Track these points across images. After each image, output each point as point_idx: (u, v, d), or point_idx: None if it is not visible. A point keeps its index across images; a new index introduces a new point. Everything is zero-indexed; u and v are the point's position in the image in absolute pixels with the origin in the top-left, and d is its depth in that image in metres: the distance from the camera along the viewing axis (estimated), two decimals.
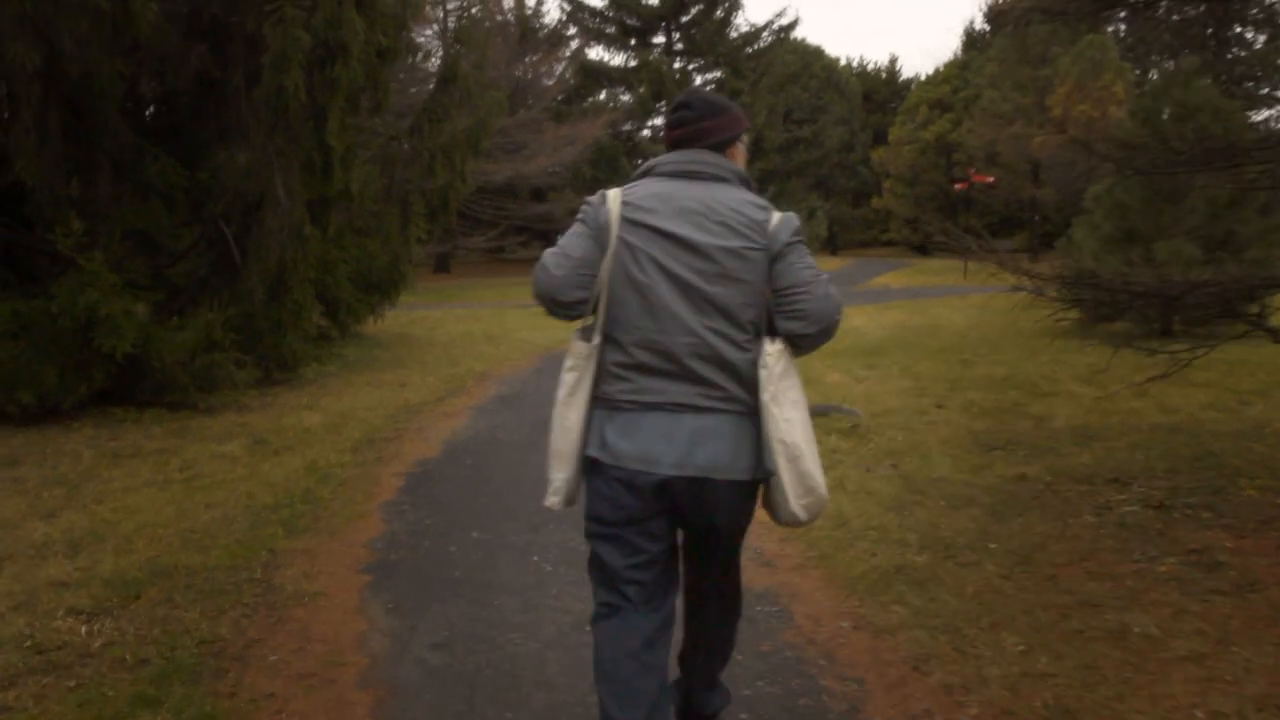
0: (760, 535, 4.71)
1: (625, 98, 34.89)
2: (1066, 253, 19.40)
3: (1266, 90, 45.77)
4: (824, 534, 4.71)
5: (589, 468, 2.53)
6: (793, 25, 37.08)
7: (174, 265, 9.27)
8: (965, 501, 5.24)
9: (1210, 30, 45.05)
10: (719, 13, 35.80)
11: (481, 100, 13.43)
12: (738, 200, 2.50)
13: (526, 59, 33.80)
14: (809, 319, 2.46)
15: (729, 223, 2.45)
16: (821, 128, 41.61)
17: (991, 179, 32.95)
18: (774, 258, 2.47)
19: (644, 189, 2.50)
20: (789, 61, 42.14)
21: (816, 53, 46.90)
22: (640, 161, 27.75)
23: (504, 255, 34.83)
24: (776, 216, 2.50)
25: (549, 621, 3.73)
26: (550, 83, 34.91)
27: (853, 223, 51.43)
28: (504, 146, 26.32)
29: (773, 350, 2.44)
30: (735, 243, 2.44)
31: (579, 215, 2.53)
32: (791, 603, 3.97)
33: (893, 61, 64.07)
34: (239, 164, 8.66)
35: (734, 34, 36.61)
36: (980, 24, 62.01)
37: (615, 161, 33.68)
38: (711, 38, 35.69)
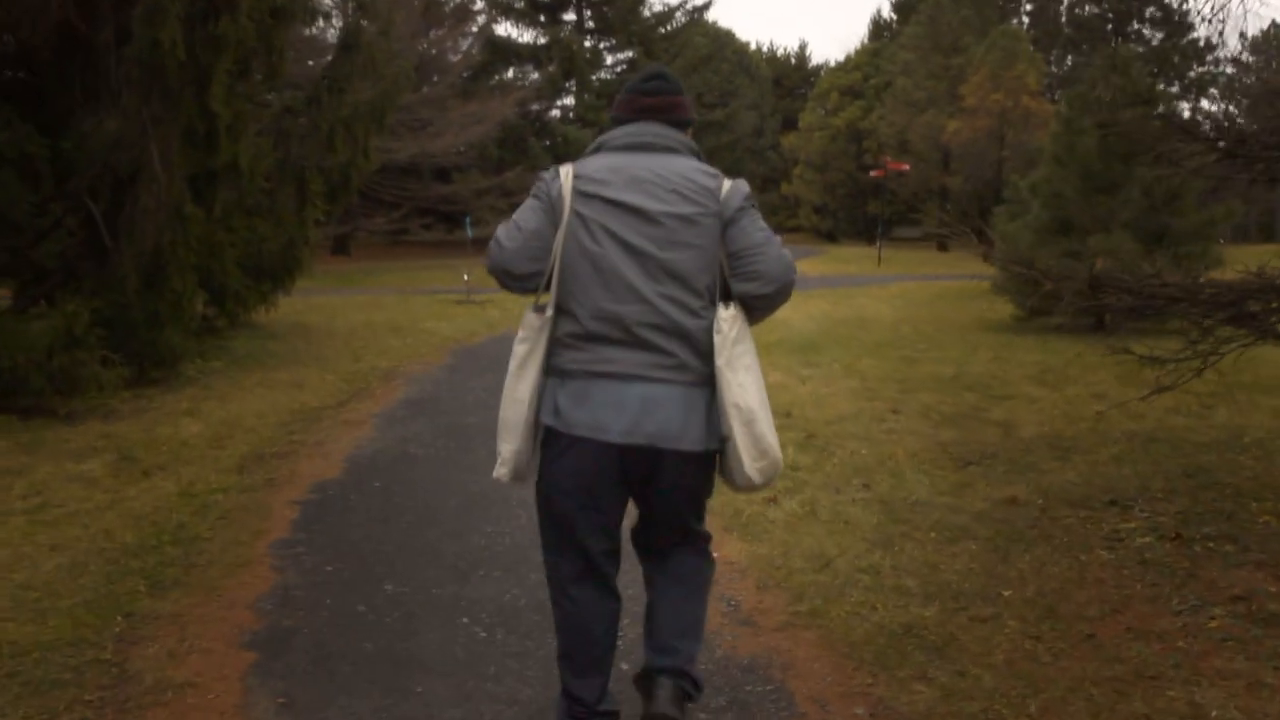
0: (731, 583, 3.99)
1: (534, 76, 33.76)
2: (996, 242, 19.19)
3: (1163, 86, 46.80)
4: (808, 579, 3.99)
5: (545, 437, 2.55)
6: (706, 6, 36.47)
7: (36, 247, 8.12)
8: (958, 533, 4.56)
9: (1110, 26, 45.95)
10: None
11: (387, 70, 12.37)
12: (689, 168, 2.54)
13: (431, 33, 32.43)
14: (764, 279, 2.52)
15: (680, 190, 2.49)
16: (733, 112, 41.05)
17: (906, 166, 32.85)
18: (727, 222, 2.51)
19: (596, 163, 2.56)
20: (700, 44, 41.50)
21: (728, 36, 46.35)
22: (550, 142, 26.87)
23: (407, 238, 33.45)
24: (727, 183, 2.56)
25: (491, 717, 2.91)
26: (456, 58, 33.58)
27: (762, 208, 51.15)
28: (408, 124, 25.07)
29: (726, 315, 2.49)
30: (687, 209, 2.48)
31: (532, 191, 2.58)
32: (787, 677, 3.21)
33: (803, 47, 64.14)
34: (108, 132, 7.55)
35: (647, 13, 35.81)
36: (888, 13, 62.56)
37: (523, 142, 32.62)
38: (624, 16, 34.82)
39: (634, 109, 2.63)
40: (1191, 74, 45.27)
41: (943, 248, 32.70)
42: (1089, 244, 12.01)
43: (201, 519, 4.67)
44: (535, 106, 34.47)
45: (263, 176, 10.80)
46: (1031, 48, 33.23)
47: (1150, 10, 45.20)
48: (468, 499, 5.08)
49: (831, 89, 45.42)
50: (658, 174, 2.50)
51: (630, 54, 35.11)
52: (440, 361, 9.87)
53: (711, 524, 3.03)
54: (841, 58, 58.55)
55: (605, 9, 35.21)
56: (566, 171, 2.55)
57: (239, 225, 10.49)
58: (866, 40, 59.26)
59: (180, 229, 7.79)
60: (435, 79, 30.32)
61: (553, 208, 2.51)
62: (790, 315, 14.46)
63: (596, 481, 2.49)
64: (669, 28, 36.28)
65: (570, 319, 2.49)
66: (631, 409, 2.42)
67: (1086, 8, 45.18)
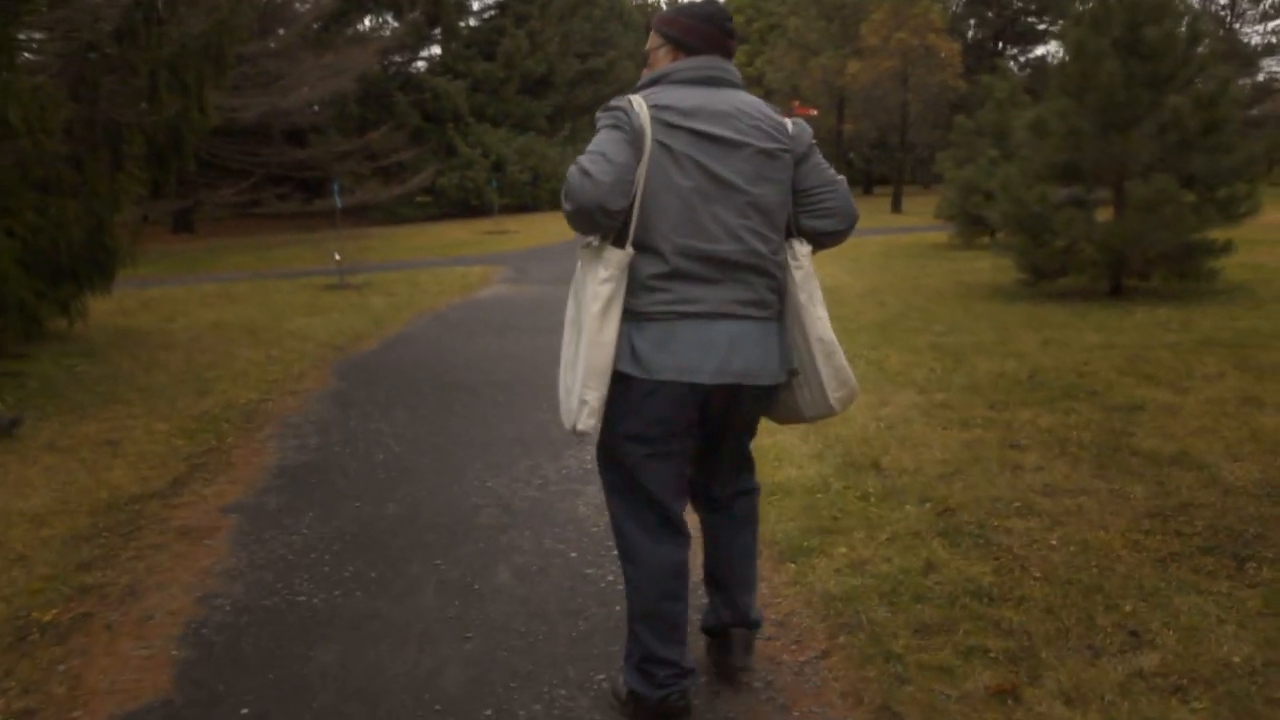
0: None
1: (395, 25, 30.24)
2: (953, 189, 17.14)
3: (1045, 25, 46.15)
4: None
5: (616, 385, 2.42)
6: None
7: None
8: None
9: None
10: None
11: None
12: (759, 105, 2.51)
13: None
14: (838, 215, 2.57)
15: (760, 125, 2.45)
16: (614, 61, 38.19)
17: (814, 110, 30.72)
18: (799, 159, 2.52)
19: (669, 94, 2.42)
20: None
21: None
22: (417, 97, 23.87)
23: (259, 210, 29.66)
24: (789, 122, 2.55)
25: None
26: (305, 7, 29.81)
27: None
28: (253, 78, 21.56)
29: (804, 251, 2.57)
30: (769, 144, 2.45)
31: (607, 121, 2.39)
32: None
33: None
34: None
35: None
36: None
37: (387, 98, 29.25)
38: None
39: (708, 41, 2.51)
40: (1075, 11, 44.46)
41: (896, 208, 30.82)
42: (1130, 190, 9.91)
43: None
44: (398, 58, 31.06)
45: (55, 138, 7.80)
46: None
47: None
48: None
49: None
50: (737, 108, 2.44)
51: None
52: (322, 386, 7.08)
53: None
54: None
55: None
56: (640, 101, 2.40)
57: (22, 206, 7.48)
58: None
59: None
60: (282, 31, 26.64)
61: (636, 139, 2.35)
62: None
63: (677, 425, 2.46)
64: None
65: (654, 258, 2.39)
66: (720, 347, 2.40)
67: None
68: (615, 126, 2.37)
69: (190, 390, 6.84)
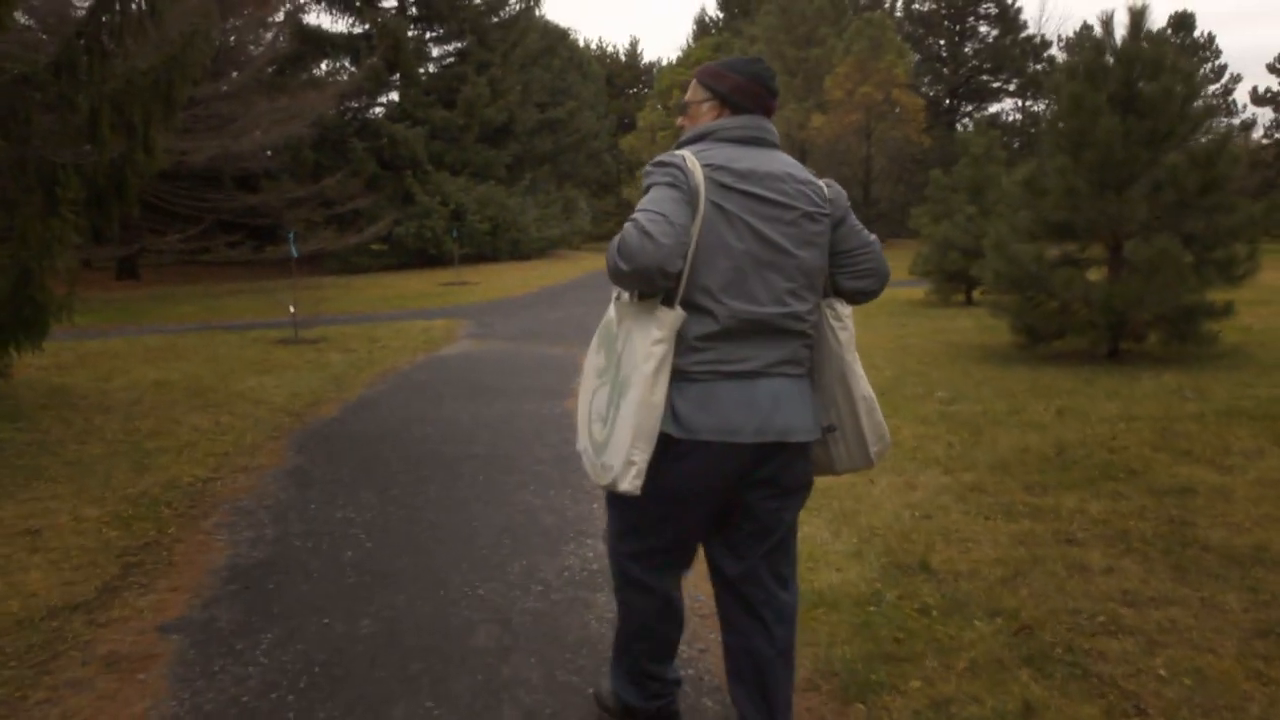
0: None
1: (352, 69, 29.61)
2: (940, 249, 16.74)
3: (1000, 83, 46.71)
4: None
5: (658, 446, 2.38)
6: None
7: None
8: None
9: (948, 22, 45.37)
10: None
11: (175, 27, 8.72)
12: (800, 167, 2.52)
13: (229, 21, 27.89)
14: (876, 275, 2.59)
15: (804, 189, 2.46)
16: (574, 111, 37.85)
17: None
18: (836, 222, 2.52)
19: (719, 153, 2.41)
20: (531, 40, 38.20)
21: (560, 33, 43.12)
22: (374, 143, 23.16)
23: (208, 258, 28.69)
24: (824, 184, 2.55)
25: None
26: (259, 50, 29.08)
27: (599, 216, 48.25)
28: (205, 120, 20.78)
29: (846, 311, 2.58)
30: (811, 208, 2.45)
31: (663, 179, 2.35)
32: None
33: (634, 44, 61.48)
34: None
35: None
36: (714, 11, 60.94)
37: (343, 144, 28.54)
38: (452, 1, 31.05)
39: (754, 100, 2.51)
40: (1030, 70, 45.06)
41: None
42: (1130, 251, 9.53)
43: None
44: (355, 104, 30.42)
45: None
46: (899, 37, 31.47)
47: (986, 6, 44.83)
48: None
49: (673, 85, 42.85)
50: (786, 171, 2.44)
51: (461, 44, 31.38)
52: (278, 461, 6.33)
53: None
54: (674, 56, 56.56)
55: None
56: (693, 160, 2.36)
57: None
58: (692, 40, 57.43)
59: None
60: (235, 75, 25.87)
61: (693, 199, 2.33)
62: None
63: (714, 484, 2.43)
64: (501, 15, 32.72)
65: (704, 319, 2.37)
66: (763, 407, 2.39)
67: (926, 3, 44.36)
68: (673, 185, 2.33)
69: (127, 465, 6.07)
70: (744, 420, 2.37)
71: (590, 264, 31.87)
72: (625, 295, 2.43)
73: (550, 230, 33.09)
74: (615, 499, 2.60)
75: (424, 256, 29.48)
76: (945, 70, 46.78)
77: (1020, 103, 47.93)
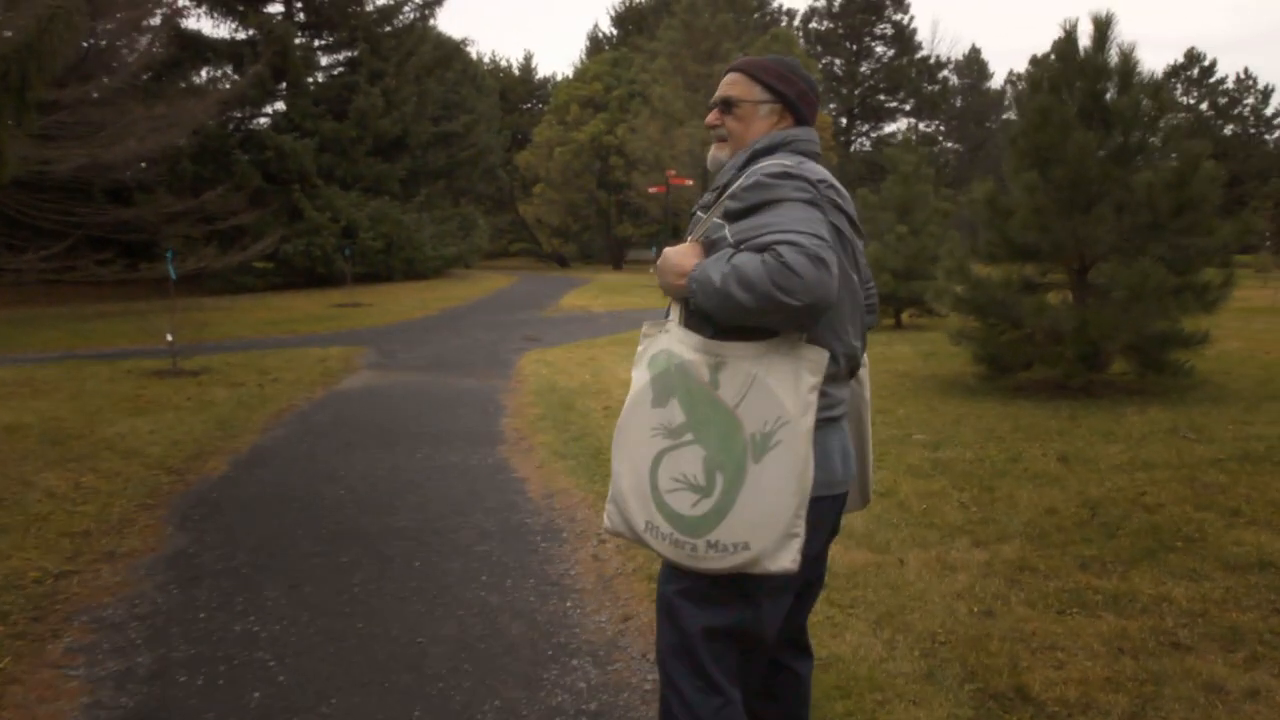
0: None
1: (235, 77, 27.78)
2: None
3: (895, 103, 47.05)
4: None
5: None
6: (438, 1, 31.58)
7: None
8: None
9: (848, 43, 45.55)
10: None
11: (30, 8, 7.36)
12: None
13: (98, 24, 25.82)
14: (875, 309, 2.48)
15: None
16: (473, 124, 36.52)
17: (690, 181, 29.66)
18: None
19: (812, 167, 2.15)
20: (425, 51, 36.78)
21: (454, 45, 41.71)
22: (259, 156, 21.58)
23: (74, 276, 26.43)
24: None
25: None
26: (134, 56, 27.02)
27: (495, 233, 46.93)
28: (71, 128, 18.91)
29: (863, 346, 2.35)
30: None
31: (796, 194, 2.01)
32: None
33: (528, 59, 60.32)
34: None
35: (370, 6, 30.62)
36: (608, 27, 60.26)
37: (226, 155, 26.69)
38: (342, 7, 29.47)
39: (814, 113, 2.32)
40: (925, 91, 45.49)
41: None
42: (1105, 275, 8.87)
43: None
44: (238, 113, 28.57)
45: None
46: (807, 52, 31.08)
47: (882, 27, 45.14)
48: None
49: (570, 101, 41.92)
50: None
51: (353, 52, 29.78)
52: (155, 545, 5.03)
53: None
54: (569, 71, 55.67)
55: None
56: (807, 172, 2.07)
57: None
58: (586, 56, 56.59)
59: None
60: (106, 80, 23.87)
61: (826, 219, 2.04)
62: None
63: (816, 546, 2.17)
64: (395, 24, 31.22)
65: (829, 359, 2.10)
66: (850, 454, 2.26)
67: (824, 22, 44.43)
68: (813, 204, 2.02)
69: None
70: (844, 470, 2.21)
71: (491, 284, 30.59)
72: (664, 323, 2.18)
73: (447, 248, 31.63)
74: (692, 594, 2.11)
75: (313, 276, 27.79)
76: (843, 90, 46.95)
77: (915, 123, 48.41)
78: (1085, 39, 9.27)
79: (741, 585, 2.07)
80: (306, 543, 4.97)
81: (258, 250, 24.52)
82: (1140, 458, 6.50)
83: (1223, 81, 52.12)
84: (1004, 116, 63.21)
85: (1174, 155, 9.07)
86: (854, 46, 46.07)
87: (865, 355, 2.38)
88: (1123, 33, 9.48)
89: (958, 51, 59.68)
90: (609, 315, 20.54)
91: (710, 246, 2.10)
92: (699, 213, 2.25)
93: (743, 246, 1.98)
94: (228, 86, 26.52)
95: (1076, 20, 9.22)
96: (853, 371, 2.27)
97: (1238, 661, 3.44)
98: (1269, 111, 52.63)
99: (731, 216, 2.07)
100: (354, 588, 4.31)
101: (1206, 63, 51.45)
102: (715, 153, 2.34)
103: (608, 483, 2.23)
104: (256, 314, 20.48)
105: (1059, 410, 8.26)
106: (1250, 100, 52.07)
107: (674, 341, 2.12)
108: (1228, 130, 49.77)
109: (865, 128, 48.60)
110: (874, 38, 45.83)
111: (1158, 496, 5.55)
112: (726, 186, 2.16)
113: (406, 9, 31.39)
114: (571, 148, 40.43)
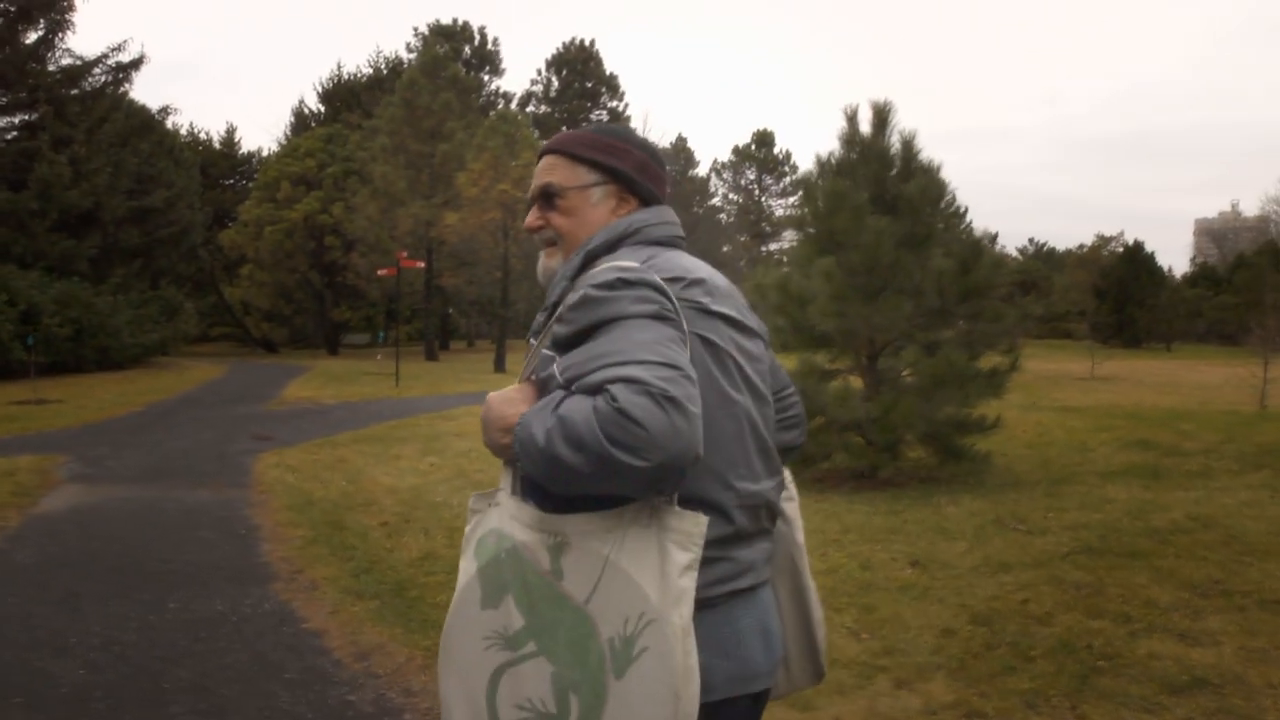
0: None
1: None
2: None
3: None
4: None
5: None
6: (136, 63, 28.86)
7: None
8: None
9: (565, 127, 46.25)
10: (33, 33, 26.51)
11: None
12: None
13: None
14: (801, 425, 2.01)
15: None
16: (174, 199, 33.57)
17: (422, 264, 28.39)
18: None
19: (668, 260, 1.67)
20: (118, 119, 33.64)
21: (149, 114, 38.51)
22: None
23: None
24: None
25: None
26: None
27: (198, 317, 43.40)
28: None
29: (789, 476, 1.94)
30: (762, 330, 1.84)
31: (638, 308, 1.51)
32: None
33: (231, 132, 56.93)
34: None
35: (52, 65, 27.55)
36: (315, 104, 58.09)
37: None
38: (18, 64, 26.27)
39: (661, 186, 1.84)
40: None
41: (500, 368, 28.49)
42: (909, 360, 8.77)
43: None
44: None
45: None
46: (536, 134, 30.92)
47: (598, 114, 46.26)
48: None
49: (280, 178, 39.65)
50: (725, 281, 1.77)
51: (33, 115, 26.56)
52: None
53: None
54: (275, 146, 52.95)
55: None
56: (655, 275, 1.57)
57: None
58: (291, 132, 54.20)
59: None
60: None
61: (684, 335, 1.54)
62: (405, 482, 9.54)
63: None
64: (84, 87, 28.24)
65: (716, 517, 1.56)
66: (773, 630, 1.72)
67: (541, 106, 44.96)
68: (659, 317, 1.50)
69: None
70: (765, 657, 1.66)
71: (200, 373, 27.86)
72: (496, 494, 1.63)
73: (148, 335, 28.60)
74: None
75: None
76: None
77: None
78: (865, 124, 9.32)
79: None
80: None
81: None
82: (992, 558, 6.21)
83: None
84: (710, 202, 66.78)
85: (956, 241, 9.22)
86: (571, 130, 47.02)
87: (793, 485, 1.95)
88: (901, 120, 9.61)
89: (666, 140, 62.20)
90: (343, 407, 18.96)
91: (543, 387, 1.57)
92: (532, 340, 1.72)
93: (574, 387, 1.45)
94: None
95: (857, 106, 9.26)
96: (771, 518, 1.75)
97: None
98: None
99: (560, 345, 1.57)
100: None
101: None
102: (545, 261, 1.82)
103: (431, 633, 1.37)
104: None
105: (875, 504, 7.99)
106: None
107: (505, 517, 1.60)
108: None
109: None
110: (590, 124, 47.02)
111: (1040, 604, 5.22)
112: (558, 304, 1.66)
113: (97, 71, 28.53)
114: (283, 226, 38.13)
